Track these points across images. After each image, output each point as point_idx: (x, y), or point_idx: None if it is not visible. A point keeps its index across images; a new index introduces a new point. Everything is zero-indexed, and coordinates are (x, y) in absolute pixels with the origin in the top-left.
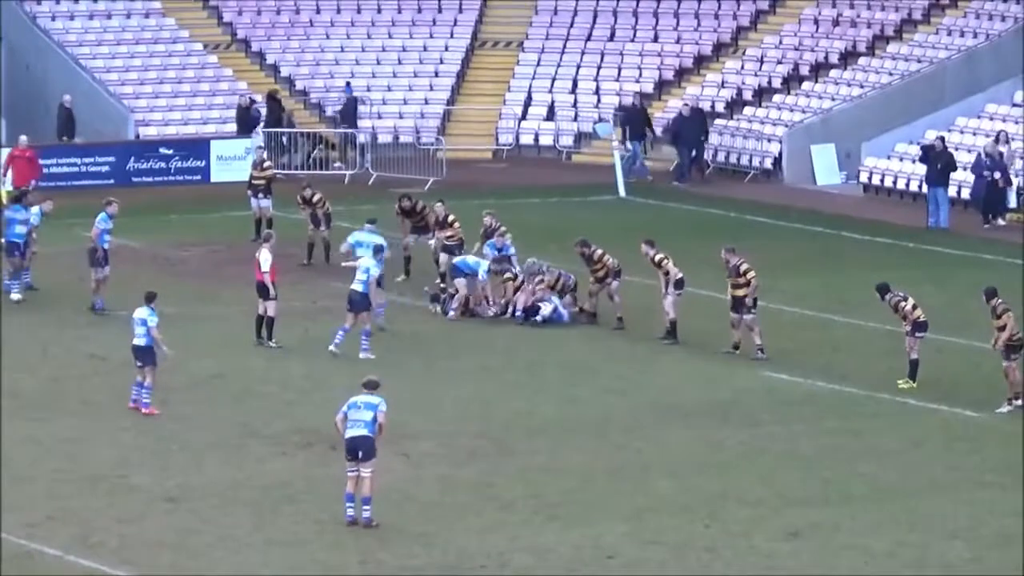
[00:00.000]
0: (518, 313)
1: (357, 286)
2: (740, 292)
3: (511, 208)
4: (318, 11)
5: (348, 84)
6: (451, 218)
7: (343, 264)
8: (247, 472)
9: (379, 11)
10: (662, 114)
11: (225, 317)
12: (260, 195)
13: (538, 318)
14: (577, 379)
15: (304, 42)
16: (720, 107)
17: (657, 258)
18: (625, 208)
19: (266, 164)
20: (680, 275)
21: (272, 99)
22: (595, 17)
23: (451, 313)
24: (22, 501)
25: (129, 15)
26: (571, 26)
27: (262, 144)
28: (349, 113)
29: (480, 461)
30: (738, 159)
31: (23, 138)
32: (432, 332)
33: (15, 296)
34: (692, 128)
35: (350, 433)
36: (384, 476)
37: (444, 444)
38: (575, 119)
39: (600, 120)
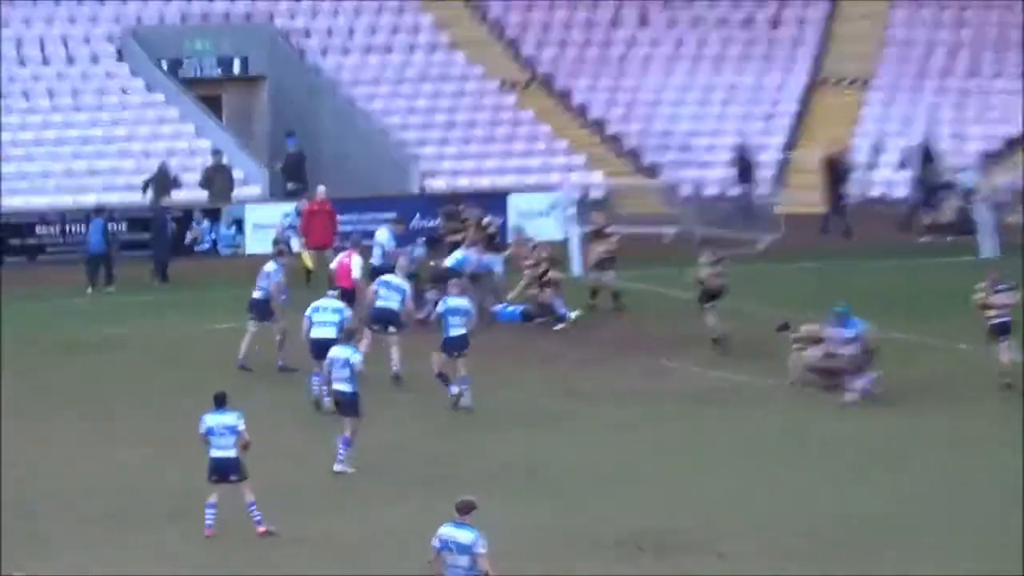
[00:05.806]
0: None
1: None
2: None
3: (848, 274)
4: (632, 44)
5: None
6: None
7: None
8: None
9: (704, 44)
10: None
11: (523, 400)
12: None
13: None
14: (897, 465)
15: (617, 80)
16: None
17: None
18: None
19: (484, 221)
20: None
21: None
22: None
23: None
24: None
25: (412, 49)
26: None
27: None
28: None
29: (801, 561)
30: None
31: (321, 188)
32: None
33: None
34: None
35: None
36: None
37: (763, 542)
38: None
39: (961, 169)
